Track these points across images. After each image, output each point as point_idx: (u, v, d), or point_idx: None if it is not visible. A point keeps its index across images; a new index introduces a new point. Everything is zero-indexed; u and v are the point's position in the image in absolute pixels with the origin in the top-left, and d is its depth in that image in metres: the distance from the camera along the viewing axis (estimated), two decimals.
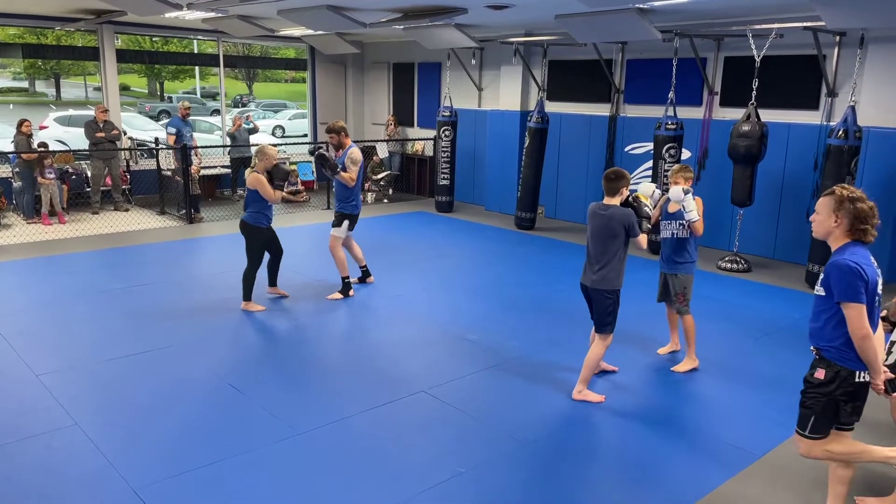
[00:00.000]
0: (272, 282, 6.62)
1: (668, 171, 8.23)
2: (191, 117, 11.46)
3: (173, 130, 10.73)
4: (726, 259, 8.17)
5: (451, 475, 3.71)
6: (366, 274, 7.28)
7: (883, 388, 3.09)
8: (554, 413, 4.49)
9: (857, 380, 3.03)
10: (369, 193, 12.13)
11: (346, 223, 6.68)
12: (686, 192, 4.82)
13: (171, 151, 10.35)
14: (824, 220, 3.05)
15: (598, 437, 4.27)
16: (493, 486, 3.63)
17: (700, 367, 5.18)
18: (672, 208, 5.06)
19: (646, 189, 5.14)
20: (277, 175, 6.18)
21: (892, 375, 3.27)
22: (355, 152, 6.62)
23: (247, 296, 6.30)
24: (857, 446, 3.20)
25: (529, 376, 5.02)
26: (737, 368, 5.25)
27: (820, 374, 3.09)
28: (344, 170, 6.54)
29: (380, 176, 12.25)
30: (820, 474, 3.60)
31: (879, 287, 3.02)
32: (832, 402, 3.08)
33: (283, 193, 6.31)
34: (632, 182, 4.76)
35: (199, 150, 11.14)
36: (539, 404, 4.59)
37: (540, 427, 4.30)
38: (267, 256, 6.44)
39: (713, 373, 5.15)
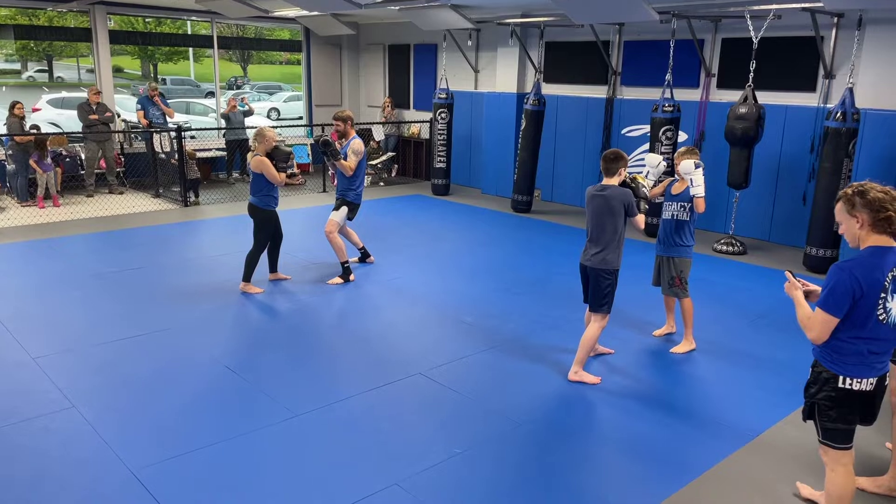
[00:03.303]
0: (273, 268, 6.63)
1: (664, 153, 8.22)
2: (185, 100, 11.43)
3: (139, 107, 11.26)
4: (722, 241, 8.18)
5: (448, 456, 3.74)
6: (365, 254, 7.30)
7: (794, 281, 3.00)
8: (550, 394, 4.51)
9: (841, 385, 2.86)
10: (366, 177, 12.07)
11: (344, 209, 6.68)
12: (697, 167, 4.89)
13: (164, 133, 10.32)
14: (849, 227, 2.84)
15: (594, 417, 4.29)
16: (489, 467, 3.66)
17: (696, 349, 5.22)
18: (676, 189, 5.07)
19: (652, 160, 5.15)
20: (278, 157, 6.17)
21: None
22: (358, 144, 6.65)
23: (247, 277, 6.31)
24: (847, 488, 2.99)
25: (526, 358, 5.04)
26: (732, 350, 5.27)
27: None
28: (345, 158, 6.55)
29: (377, 161, 12.20)
30: (814, 457, 3.62)
31: None
32: (816, 408, 2.95)
33: (286, 175, 6.31)
34: (630, 164, 4.76)
35: (192, 131, 11.12)
36: (535, 386, 4.62)
37: (536, 408, 4.33)
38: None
39: (709, 354, 5.17)
